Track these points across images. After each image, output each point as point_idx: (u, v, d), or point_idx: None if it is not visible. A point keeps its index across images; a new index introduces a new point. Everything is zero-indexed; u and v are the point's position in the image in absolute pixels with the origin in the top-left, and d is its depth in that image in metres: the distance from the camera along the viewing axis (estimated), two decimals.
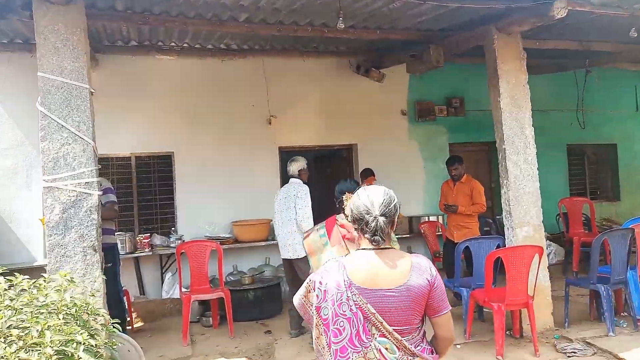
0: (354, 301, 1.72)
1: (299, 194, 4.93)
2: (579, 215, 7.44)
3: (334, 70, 7.47)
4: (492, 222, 7.61)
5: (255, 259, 6.86)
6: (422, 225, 7.12)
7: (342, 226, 3.00)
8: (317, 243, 3.09)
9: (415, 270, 1.76)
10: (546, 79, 8.56)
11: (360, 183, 6.39)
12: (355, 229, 1.86)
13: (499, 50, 5.04)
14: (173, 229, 6.77)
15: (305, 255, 3.29)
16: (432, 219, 7.34)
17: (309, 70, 7.34)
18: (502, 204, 5.17)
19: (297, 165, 5.11)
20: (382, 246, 1.78)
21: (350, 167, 7.74)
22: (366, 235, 1.80)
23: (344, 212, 2.93)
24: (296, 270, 4.93)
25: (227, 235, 6.64)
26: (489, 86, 5.27)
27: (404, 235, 7.28)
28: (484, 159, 8.47)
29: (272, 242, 6.57)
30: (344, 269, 1.78)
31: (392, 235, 1.89)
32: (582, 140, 8.87)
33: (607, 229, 8.52)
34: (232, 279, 6.40)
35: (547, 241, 7.75)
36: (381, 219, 1.77)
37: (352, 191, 2.60)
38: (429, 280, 1.76)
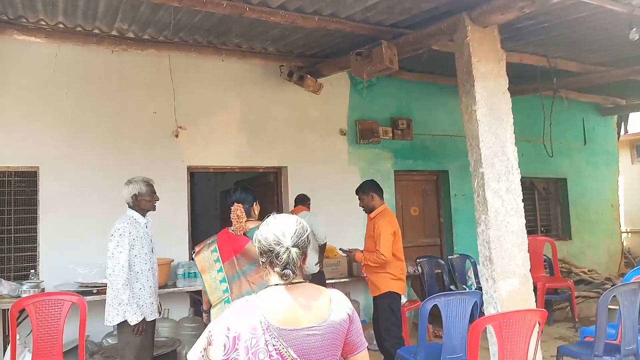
0: (274, 346, 1.51)
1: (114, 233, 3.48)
2: (540, 256, 6.49)
3: (261, 75, 6.12)
4: (442, 264, 6.45)
5: None
6: (365, 267, 5.78)
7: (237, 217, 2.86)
8: (209, 259, 2.87)
9: (334, 304, 1.63)
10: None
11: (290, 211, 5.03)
12: (263, 262, 1.65)
13: (474, 46, 3.94)
14: (33, 271, 4.92)
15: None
16: None
17: (229, 74, 5.94)
18: (480, 247, 3.99)
19: (131, 188, 3.57)
20: (294, 280, 1.60)
21: (277, 195, 6.33)
22: (276, 269, 1.60)
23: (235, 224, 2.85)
24: None
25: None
26: (461, 94, 4.14)
27: (342, 280, 5.91)
28: (432, 189, 7.41)
29: (174, 288, 4.97)
30: (259, 309, 1.54)
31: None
32: (533, 172, 8.10)
33: (566, 272, 7.73)
34: (109, 342, 4.65)
35: None
36: (293, 251, 1.58)
37: (241, 202, 2.90)
38: (348, 315, 1.64)
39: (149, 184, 3.59)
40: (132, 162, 5.33)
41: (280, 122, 6.19)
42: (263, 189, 6.59)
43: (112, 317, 3.34)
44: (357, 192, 4.54)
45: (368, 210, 4.42)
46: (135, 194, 3.50)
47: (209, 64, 5.78)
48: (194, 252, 3.50)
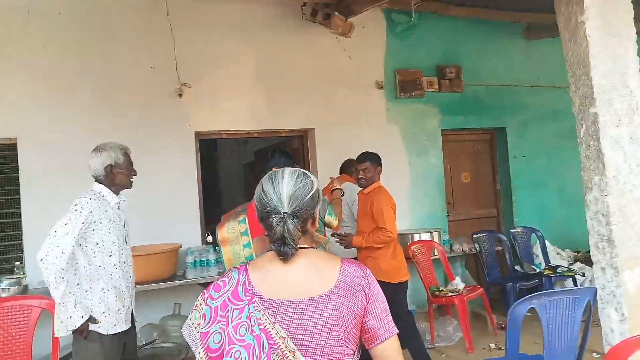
0: (257, 320, 1.19)
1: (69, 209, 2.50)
2: None
3: (278, 17, 5.05)
4: (504, 240, 5.38)
5: (158, 308, 4.33)
6: (412, 248, 4.80)
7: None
8: (235, 230, 2.50)
9: (344, 275, 1.26)
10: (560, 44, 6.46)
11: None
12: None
13: None
14: (18, 263, 4.15)
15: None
16: (424, 236, 5.03)
17: (240, 17, 4.90)
18: (591, 222, 2.99)
19: (105, 157, 2.61)
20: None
21: (303, 163, 5.35)
22: (272, 246, 1.26)
23: None
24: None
25: None
26: (557, 1, 2.97)
27: None
28: (486, 150, 6.27)
29: (185, 280, 4.13)
30: (245, 275, 1.27)
31: (318, 234, 1.59)
32: None
33: None
34: None
35: (579, 263, 5.61)
36: (291, 223, 1.23)
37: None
38: (364, 291, 1.26)
39: (126, 153, 2.67)
40: (127, 128, 4.43)
41: (304, 74, 5.14)
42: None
43: (57, 325, 2.41)
44: (365, 160, 3.83)
45: (368, 184, 3.80)
46: (110, 164, 2.58)
47: (214, 6, 4.76)
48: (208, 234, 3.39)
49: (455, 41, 5.87)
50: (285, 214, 1.24)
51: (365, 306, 1.26)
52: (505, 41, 6.15)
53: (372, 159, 3.81)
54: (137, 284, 4.01)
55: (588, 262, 5.67)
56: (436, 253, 4.93)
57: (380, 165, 3.84)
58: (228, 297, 1.24)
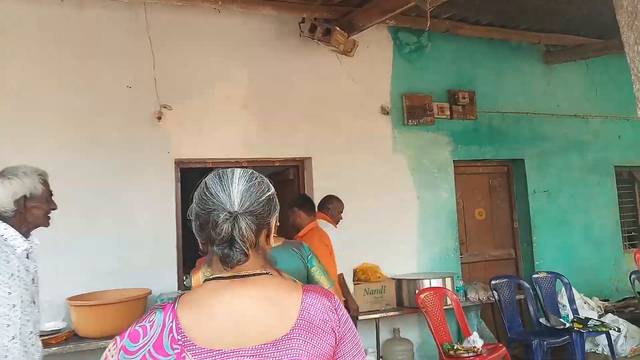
0: None
1: None
2: None
3: (273, 33, 4.55)
4: (526, 287, 4.73)
5: None
6: (421, 296, 4.15)
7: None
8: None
9: (308, 310, 0.99)
10: (582, 69, 5.95)
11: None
12: (202, 243, 1.04)
13: None
14: None
15: None
16: (435, 282, 4.38)
17: (230, 32, 4.40)
18: None
19: (17, 186, 1.97)
20: (243, 271, 0.99)
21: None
22: (215, 250, 0.99)
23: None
24: None
25: (58, 327, 3.44)
26: None
27: (391, 314, 4.29)
28: (502, 184, 5.66)
29: None
30: (173, 317, 0.95)
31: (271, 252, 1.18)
32: (632, 160, 6.20)
33: None
34: None
35: (611, 314, 4.94)
36: (244, 222, 0.98)
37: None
38: (333, 330, 1.00)
39: (45, 181, 2.08)
40: (99, 155, 3.88)
41: (302, 97, 4.61)
42: (281, 190, 5.02)
43: None
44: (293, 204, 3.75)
45: (295, 229, 3.68)
46: (24, 196, 1.97)
47: (200, 19, 4.26)
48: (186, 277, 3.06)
49: (468, 64, 5.35)
50: (237, 213, 0.98)
51: (335, 349, 1.00)
52: (523, 65, 5.63)
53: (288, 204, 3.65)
54: (91, 339, 3.41)
55: (620, 313, 5.02)
56: (449, 302, 4.28)
57: (297, 204, 3.71)
58: (149, 351, 0.94)
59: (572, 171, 5.69)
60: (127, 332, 0.96)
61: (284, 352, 0.93)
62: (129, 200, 3.94)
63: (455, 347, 3.85)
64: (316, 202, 4.43)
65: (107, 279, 3.73)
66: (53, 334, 3.34)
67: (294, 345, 0.94)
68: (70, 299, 3.43)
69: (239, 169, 1.07)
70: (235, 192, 1.00)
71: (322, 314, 1.00)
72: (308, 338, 0.96)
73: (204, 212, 1.00)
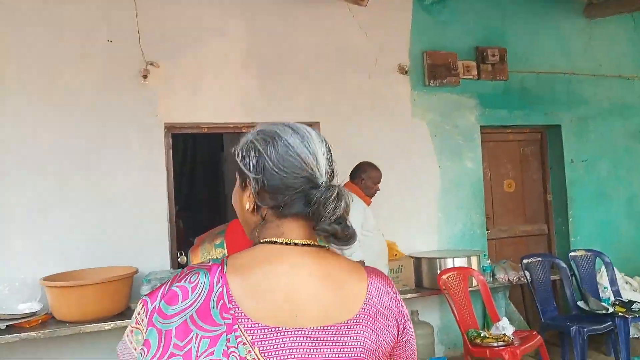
0: (241, 359, 0.78)
1: None
2: None
3: None
4: (563, 267, 4.20)
5: (100, 357, 3.28)
6: (443, 277, 3.67)
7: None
8: (211, 256, 2.12)
9: (374, 295, 0.89)
10: (629, 23, 5.27)
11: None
12: (259, 207, 0.90)
13: None
14: None
15: None
16: (459, 262, 3.89)
17: None
18: None
19: None
20: (302, 240, 0.88)
21: None
22: (319, 227, 0.86)
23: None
24: None
25: (33, 309, 3.07)
26: None
27: (409, 296, 3.82)
28: (535, 153, 5.08)
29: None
30: (223, 282, 0.83)
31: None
32: None
33: None
34: None
35: None
36: (344, 195, 0.88)
37: None
38: (397, 320, 0.91)
39: None
40: (78, 118, 3.47)
41: (308, 55, 4.09)
42: None
43: None
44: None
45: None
46: None
47: None
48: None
49: (499, 17, 4.74)
50: (334, 184, 0.87)
51: (396, 342, 0.90)
52: (561, 19, 4.98)
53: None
54: (70, 324, 3.04)
55: None
56: (474, 283, 3.79)
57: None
58: (192, 317, 0.79)
59: (614, 138, 5.07)
60: (160, 291, 0.82)
61: (349, 338, 0.84)
62: (111, 169, 3.52)
63: (482, 335, 3.38)
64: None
65: (86, 256, 3.35)
66: (27, 317, 2.98)
67: (359, 331, 0.85)
68: (45, 279, 3.04)
69: (308, 127, 0.94)
70: (322, 157, 0.89)
71: (388, 301, 0.90)
72: (374, 326, 0.87)
73: (287, 177, 0.86)
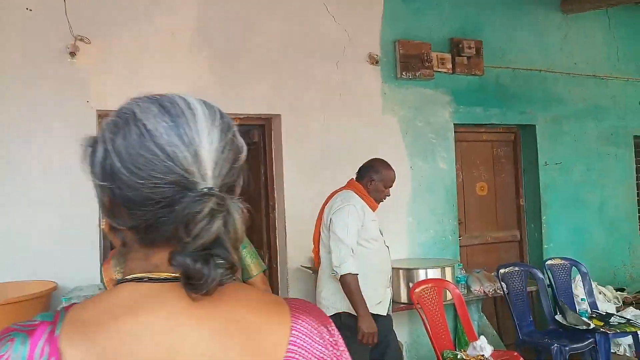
0: None
1: None
2: None
3: None
4: (539, 278, 3.92)
5: None
6: (416, 291, 3.29)
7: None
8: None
9: (300, 343, 0.62)
10: (604, 20, 5.08)
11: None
12: (115, 228, 0.65)
13: None
14: None
15: None
16: (432, 272, 3.52)
17: None
18: None
19: None
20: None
21: (264, 164, 3.81)
22: (177, 260, 0.58)
23: None
24: None
25: None
26: None
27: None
28: (508, 155, 4.81)
29: None
30: (50, 350, 0.55)
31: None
32: None
33: None
34: None
35: (632, 308, 4.20)
36: (236, 212, 0.61)
37: None
38: None
39: None
40: None
41: (269, 39, 3.61)
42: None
43: None
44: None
45: None
46: None
47: None
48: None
49: (475, 7, 4.41)
50: (215, 192, 0.60)
51: None
52: (538, 12, 4.72)
53: None
54: None
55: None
56: (449, 297, 3.44)
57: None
58: None
59: (589, 141, 4.86)
60: None
61: None
62: (27, 164, 2.94)
63: (459, 357, 3.03)
64: (290, 170, 3.53)
65: (3, 270, 2.76)
66: None
67: None
68: None
69: (193, 99, 0.66)
70: (206, 148, 0.61)
71: (322, 350, 0.63)
72: None
73: (145, 181, 0.59)
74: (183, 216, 0.57)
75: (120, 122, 0.61)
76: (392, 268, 3.48)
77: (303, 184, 3.64)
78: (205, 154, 0.60)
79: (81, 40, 3.02)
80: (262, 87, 3.58)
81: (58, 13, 2.98)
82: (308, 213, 3.61)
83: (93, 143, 0.63)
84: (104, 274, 1.97)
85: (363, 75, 3.93)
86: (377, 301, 2.71)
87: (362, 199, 2.77)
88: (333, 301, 2.70)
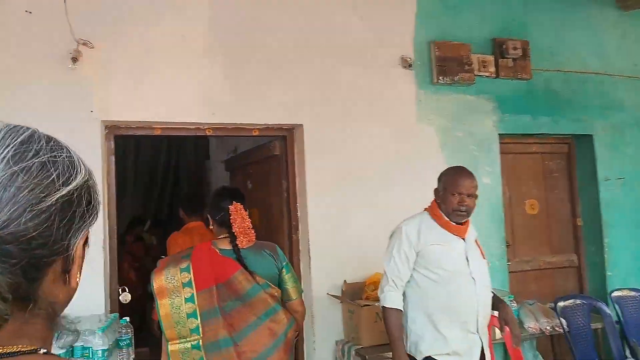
0: None
1: None
2: None
3: None
4: (607, 314, 3.35)
5: None
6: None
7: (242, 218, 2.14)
8: (175, 280, 2.04)
9: None
10: None
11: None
12: None
13: None
14: None
15: None
16: None
17: None
18: None
19: None
20: None
21: (287, 178, 3.44)
22: None
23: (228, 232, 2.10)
24: None
25: None
26: None
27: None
28: (562, 168, 4.27)
29: None
30: None
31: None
32: None
33: None
34: None
35: None
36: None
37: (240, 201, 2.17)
38: None
39: None
40: None
41: (290, 41, 3.28)
42: (265, 169, 3.72)
43: None
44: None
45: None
46: None
47: None
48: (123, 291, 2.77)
49: (521, 3, 3.97)
50: None
51: None
52: (591, 9, 4.22)
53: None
54: None
55: None
56: (498, 336, 2.93)
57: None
58: None
59: None
60: None
61: None
62: None
63: None
64: (313, 185, 3.15)
65: None
66: None
67: None
68: None
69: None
70: None
71: None
72: None
73: None
74: None
75: None
76: None
77: (328, 201, 3.26)
78: None
79: (84, 44, 2.77)
80: (282, 94, 3.24)
81: (59, 15, 2.74)
82: (333, 233, 3.21)
83: None
84: (154, 282, 2.05)
85: (394, 80, 3.53)
86: (445, 349, 2.20)
87: (434, 219, 2.29)
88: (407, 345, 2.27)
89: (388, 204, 3.30)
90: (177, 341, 2.02)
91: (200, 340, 1.99)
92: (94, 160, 2.80)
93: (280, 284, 2.16)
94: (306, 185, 3.26)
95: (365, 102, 3.42)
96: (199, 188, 6.46)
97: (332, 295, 3.21)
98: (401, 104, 3.53)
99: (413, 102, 3.56)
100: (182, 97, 3.03)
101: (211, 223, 2.22)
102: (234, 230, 2.11)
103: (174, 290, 2.02)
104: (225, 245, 2.11)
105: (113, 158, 2.98)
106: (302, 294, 2.23)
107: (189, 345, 2.01)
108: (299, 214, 3.36)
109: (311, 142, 3.29)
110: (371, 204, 3.30)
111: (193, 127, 3.16)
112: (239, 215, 2.12)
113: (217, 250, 2.10)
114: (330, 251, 3.24)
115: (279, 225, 3.47)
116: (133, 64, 2.92)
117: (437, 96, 3.63)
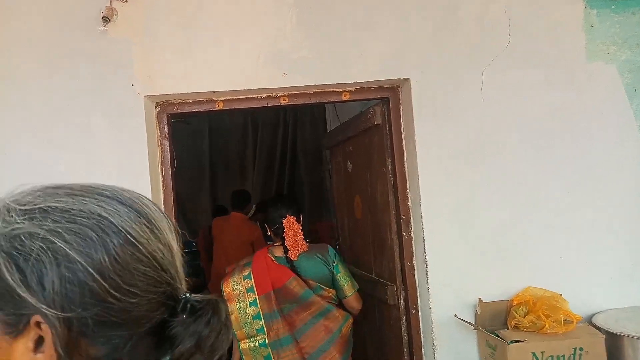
0: None
1: None
2: None
3: None
4: None
5: None
6: None
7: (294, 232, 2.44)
8: (240, 286, 2.36)
9: None
10: None
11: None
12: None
13: None
14: None
15: None
16: None
17: None
18: None
19: None
20: None
21: (391, 155, 2.51)
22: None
23: (282, 243, 2.38)
24: None
25: None
26: None
27: None
28: None
29: None
30: None
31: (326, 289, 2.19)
32: None
33: None
34: None
35: None
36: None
37: (295, 214, 2.42)
38: None
39: None
40: (13, 93, 2.20)
41: None
42: (362, 144, 2.85)
43: None
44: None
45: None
46: None
47: None
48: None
49: None
50: (193, 298, 0.62)
51: None
52: None
53: None
54: None
55: None
56: None
57: None
58: None
59: None
60: None
61: None
62: (64, 180, 2.20)
63: None
64: (425, 159, 2.24)
65: None
66: None
67: None
68: None
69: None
70: (175, 246, 0.61)
71: None
72: None
73: (136, 300, 0.56)
74: (203, 333, 0.56)
75: (85, 231, 0.53)
76: (628, 336, 1.92)
77: (449, 185, 2.29)
78: (176, 253, 0.59)
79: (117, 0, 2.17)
80: (379, 39, 2.32)
81: None
82: (458, 231, 2.26)
83: (34, 261, 0.50)
84: (224, 289, 2.35)
85: (547, 3, 2.36)
86: None
87: None
88: None
89: (540, 188, 2.22)
90: (247, 340, 2.32)
91: (266, 339, 2.30)
92: (139, 146, 2.22)
93: (334, 283, 2.40)
94: (417, 165, 2.32)
95: (501, 36, 2.33)
96: (317, 174, 5.94)
97: (462, 320, 2.26)
98: (560, 34, 2.35)
99: (580, 29, 2.35)
100: (245, 58, 2.29)
101: (269, 231, 2.47)
102: (286, 244, 2.36)
103: (240, 296, 2.33)
104: (280, 253, 2.38)
105: (168, 144, 2.38)
106: (359, 290, 2.46)
107: (257, 343, 2.31)
108: (409, 203, 2.44)
109: (423, 104, 2.33)
110: (514, 190, 2.25)
111: (265, 95, 2.41)
112: (290, 229, 2.35)
113: (272, 259, 2.38)
114: (455, 255, 2.29)
115: (384, 220, 2.59)
116: (180, 19, 2.26)
117: (619, 18, 2.36)
